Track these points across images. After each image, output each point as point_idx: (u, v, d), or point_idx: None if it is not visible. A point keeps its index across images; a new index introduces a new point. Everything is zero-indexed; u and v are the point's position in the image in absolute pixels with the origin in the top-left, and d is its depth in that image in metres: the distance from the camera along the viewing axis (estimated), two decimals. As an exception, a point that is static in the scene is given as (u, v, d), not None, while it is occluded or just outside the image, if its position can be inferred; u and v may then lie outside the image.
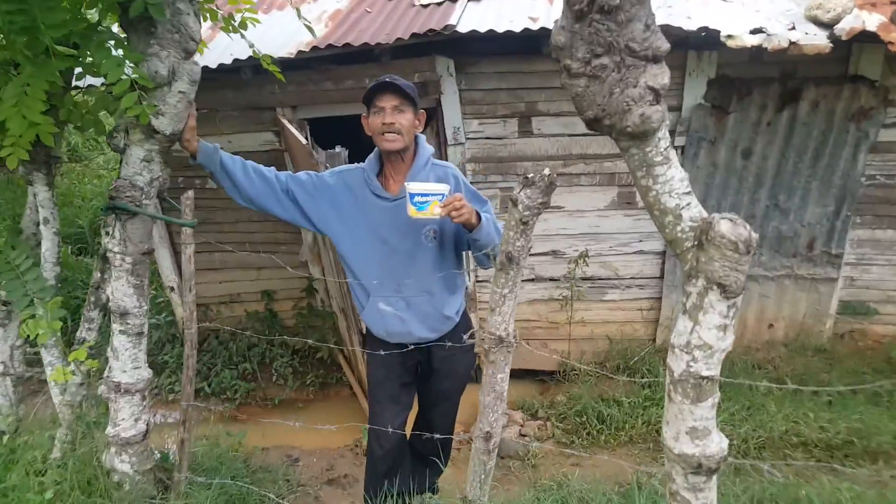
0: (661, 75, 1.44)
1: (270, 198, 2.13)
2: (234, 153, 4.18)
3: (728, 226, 1.29)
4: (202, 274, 4.63)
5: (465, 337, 1.63)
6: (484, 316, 4.43)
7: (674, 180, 1.43)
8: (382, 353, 2.14)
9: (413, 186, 1.89)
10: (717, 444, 1.43)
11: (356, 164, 2.23)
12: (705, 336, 1.37)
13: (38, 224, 2.34)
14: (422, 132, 2.19)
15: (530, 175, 1.52)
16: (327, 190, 2.16)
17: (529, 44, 3.54)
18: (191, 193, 2.07)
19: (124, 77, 1.78)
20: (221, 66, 3.50)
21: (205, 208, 4.18)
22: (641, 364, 4.11)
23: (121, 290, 2.09)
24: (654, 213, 1.45)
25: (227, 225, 4.33)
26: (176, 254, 4.53)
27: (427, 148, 2.17)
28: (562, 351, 4.38)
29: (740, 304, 1.38)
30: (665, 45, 1.36)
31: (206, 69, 3.62)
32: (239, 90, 3.86)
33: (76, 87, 2.35)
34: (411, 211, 1.89)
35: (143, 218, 2.04)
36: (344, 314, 3.86)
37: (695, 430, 1.42)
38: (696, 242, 1.32)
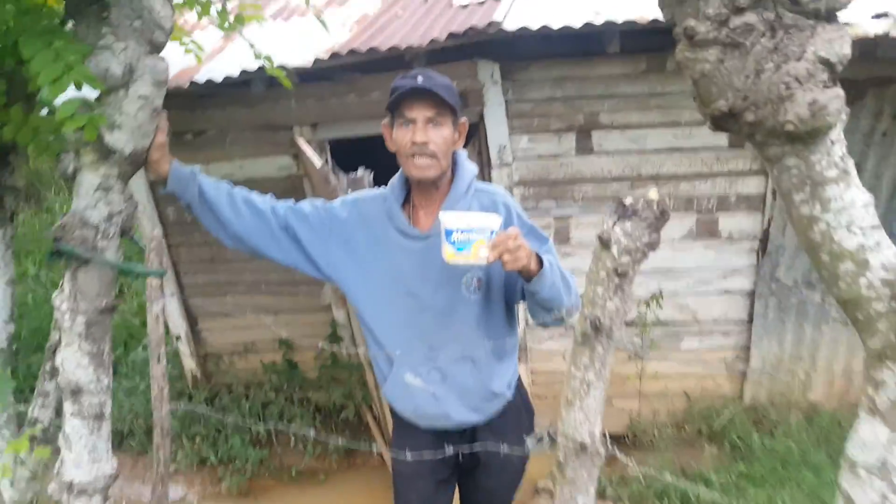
0: (838, 42, 1.02)
1: (264, 237, 1.68)
2: (247, 181, 3.85)
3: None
4: (212, 319, 4.26)
5: (528, 443, 1.14)
6: (536, 368, 3.91)
7: (854, 207, 0.96)
8: (409, 457, 1.64)
9: (450, 219, 1.41)
10: None
11: (376, 189, 1.77)
12: (914, 453, 0.90)
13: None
14: (463, 147, 1.73)
15: (628, 200, 1.03)
16: (337, 225, 1.70)
17: (590, 43, 3.08)
18: (158, 233, 1.65)
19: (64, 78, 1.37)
20: (228, 79, 3.14)
21: (213, 243, 3.80)
22: (729, 428, 3.50)
23: (72, 360, 1.66)
24: (821, 257, 0.98)
25: (238, 263, 3.93)
26: (184, 297, 4.16)
27: (469, 168, 1.69)
28: (630, 410, 3.81)
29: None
30: (846, -6, 0.91)
31: (211, 84, 3.32)
32: (251, 107, 3.50)
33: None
34: (448, 253, 1.42)
35: (100, 265, 1.62)
36: (372, 367, 3.40)
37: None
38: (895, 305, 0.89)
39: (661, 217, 1.03)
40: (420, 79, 1.54)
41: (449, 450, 1.62)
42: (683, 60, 1.02)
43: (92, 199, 1.59)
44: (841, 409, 3.53)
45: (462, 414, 1.71)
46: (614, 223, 1.03)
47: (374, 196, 1.73)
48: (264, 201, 1.71)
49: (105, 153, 1.53)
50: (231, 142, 3.63)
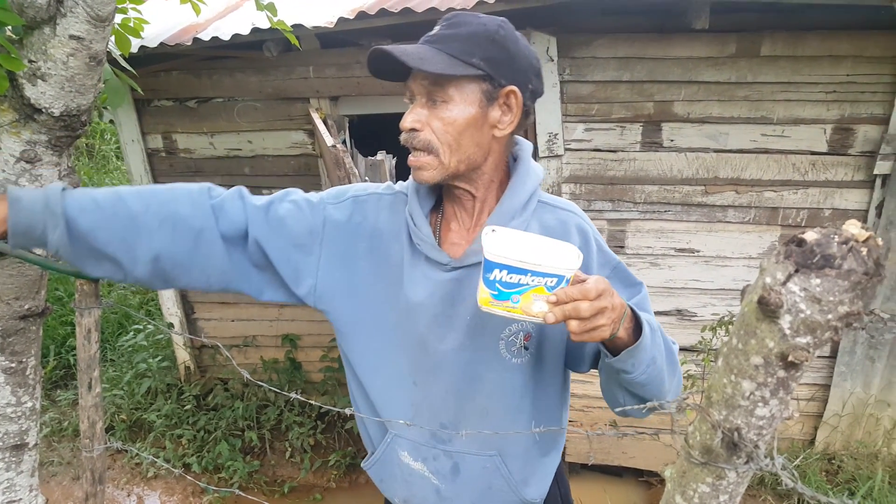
0: None
1: (216, 256, 1.12)
2: (255, 157, 3.47)
3: None
4: (211, 308, 3.94)
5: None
6: (571, 390, 3.48)
7: None
8: None
9: (497, 244, 0.91)
10: None
11: (392, 185, 1.27)
12: None
13: None
14: (520, 132, 1.22)
15: (812, 236, 0.61)
16: (332, 233, 1.17)
17: (670, 17, 2.63)
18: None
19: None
20: (237, 38, 2.77)
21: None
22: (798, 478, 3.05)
23: (-15, 378, 1.32)
24: None
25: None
26: (181, 281, 3.84)
27: (533, 171, 1.15)
28: (680, 446, 3.38)
29: None
30: None
31: (219, 45, 2.95)
32: (263, 74, 3.13)
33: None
34: (483, 297, 0.93)
35: (20, 260, 1.26)
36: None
37: None
38: None
39: (876, 272, 0.60)
40: (436, 28, 1.05)
41: None
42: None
43: (12, 172, 1.23)
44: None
45: None
46: (789, 276, 0.61)
47: (391, 195, 1.21)
48: (197, 209, 1.10)
49: (28, 112, 1.17)
50: (239, 112, 3.27)
